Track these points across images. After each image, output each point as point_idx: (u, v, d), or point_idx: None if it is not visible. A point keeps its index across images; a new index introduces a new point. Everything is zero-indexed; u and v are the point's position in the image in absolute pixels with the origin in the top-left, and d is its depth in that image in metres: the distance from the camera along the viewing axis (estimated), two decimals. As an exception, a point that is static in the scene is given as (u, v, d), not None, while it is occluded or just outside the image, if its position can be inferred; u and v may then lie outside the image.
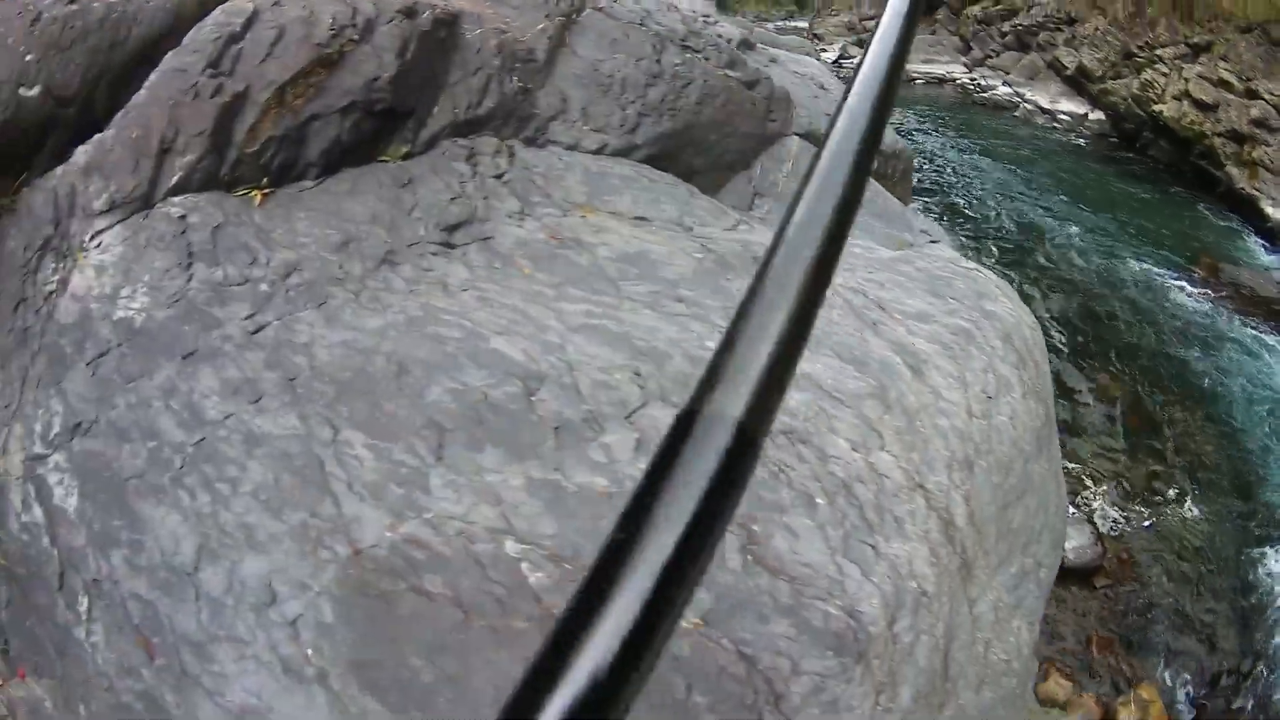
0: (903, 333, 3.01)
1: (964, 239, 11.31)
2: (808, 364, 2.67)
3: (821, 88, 6.32)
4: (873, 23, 0.62)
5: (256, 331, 2.66)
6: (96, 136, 3.23)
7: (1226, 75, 13.65)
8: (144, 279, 2.80)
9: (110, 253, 2.90)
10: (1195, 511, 7.01)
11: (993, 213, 12.37)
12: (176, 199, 3.03)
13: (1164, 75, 14.42)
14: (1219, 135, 13.38)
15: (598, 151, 3.66)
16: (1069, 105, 16.96)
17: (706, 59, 4.05)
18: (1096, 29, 16.99)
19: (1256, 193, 12.84)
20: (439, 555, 2.06)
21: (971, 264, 3.93)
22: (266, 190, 3.17)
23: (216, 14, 3.37)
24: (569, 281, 2.99)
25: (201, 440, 2.43)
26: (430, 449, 2.31)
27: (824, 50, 21.28)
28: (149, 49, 3.47)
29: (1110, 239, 12.18)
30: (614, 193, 3.47)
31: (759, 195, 4.31)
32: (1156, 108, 14.43)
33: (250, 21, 3.28)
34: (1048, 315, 9.52)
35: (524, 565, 2.01)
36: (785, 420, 2.39)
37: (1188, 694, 5.50)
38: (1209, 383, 8.94)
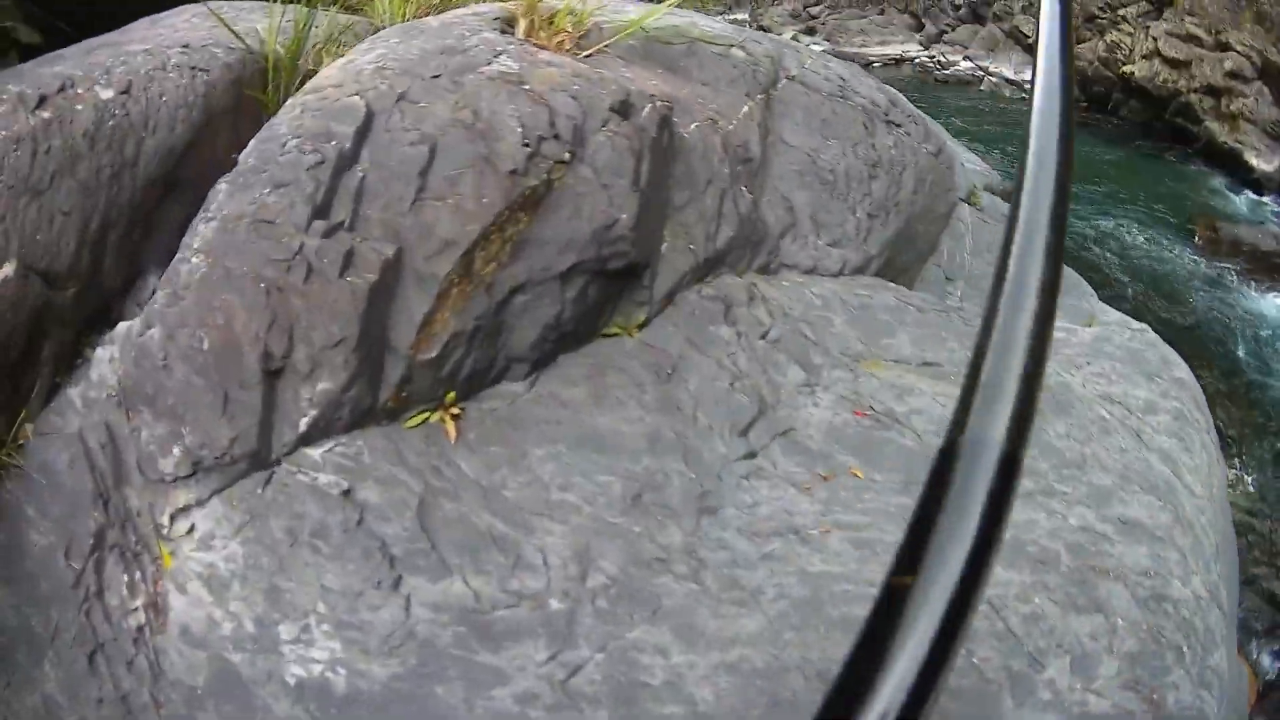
0: (1151, 433, 2.82)
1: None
2: (1133, 509, 2.45)
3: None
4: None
5: (572, 677, 1.82)
6: (124, 328, 2.14)
7: (1195, 30, 13.56)
8: (316, 609, 1.84)
9: (221, 552, 1.88)
10: (1250, 488, 6.96)
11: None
12: (316, 452, 2.01)
13: (1129, 35, 14.27)
14: (1194, 91, 13.32)
15: (839, 273, 2.92)
16: (1035, 74, 16.72)
17: (908, 134, 3.34)
18: (1054, -7, 16.80)
19: (1239, 145, 12.86)
20: None
21: (1139, 324, 3.69)
22: (455, 411, 2.19)
23: (292, 111, 2.28)
24: (912, 479, 2.29)
25: None
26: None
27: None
28: (172, 171, 2.37)
29: (1105, 208, 12.05)
30: (888, 332, 2.75)
31: (949, 280, 3.64)
32: (1126, 69, 14.26)
33: (365, 129, 2.20)
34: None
35: None
36: (1150, 583, 2.24)
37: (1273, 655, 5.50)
38: (1236, 351, 8.88)
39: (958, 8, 19.00)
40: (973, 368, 0.44)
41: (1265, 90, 13.14)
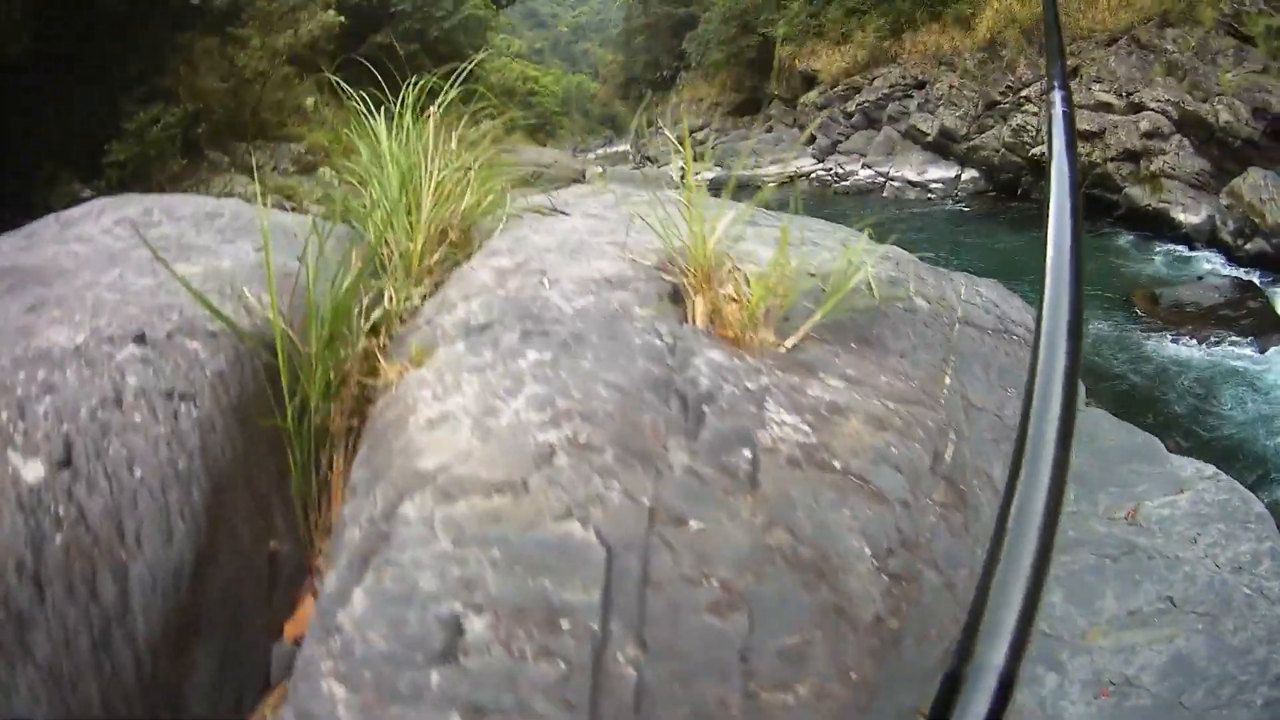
0: (1268, 583, 2.77)
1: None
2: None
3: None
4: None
5: None
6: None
7: (1104, 96, 14.06)
8: None
9: None
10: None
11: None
12: None
13: (1035, 115, 14.83)
14: (1111, 160, 13.80)
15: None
16: (938, 171, 17.09)
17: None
18: (950, 87, 17.35)
19: (1165, 204, 13.24)
20: None
21: (1209, 470, 3.52)
22: None
23: (432, 540, 1.18)
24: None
25: None
26: None
27: (664, 168, 19.40)
28: (189, 605, 1.34)
29: (1031, 301, 12.28)
30: (1098, 594, 2.83)
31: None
32: (1035, 151, 14.62)
33: (609, 586, 1.22)
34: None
35: None
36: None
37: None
38: (1199, 415, 9.00)
39: (850, 115, 19.43)
40: (977, 600, 0.52)
41: (1185, 142, 13.51)
